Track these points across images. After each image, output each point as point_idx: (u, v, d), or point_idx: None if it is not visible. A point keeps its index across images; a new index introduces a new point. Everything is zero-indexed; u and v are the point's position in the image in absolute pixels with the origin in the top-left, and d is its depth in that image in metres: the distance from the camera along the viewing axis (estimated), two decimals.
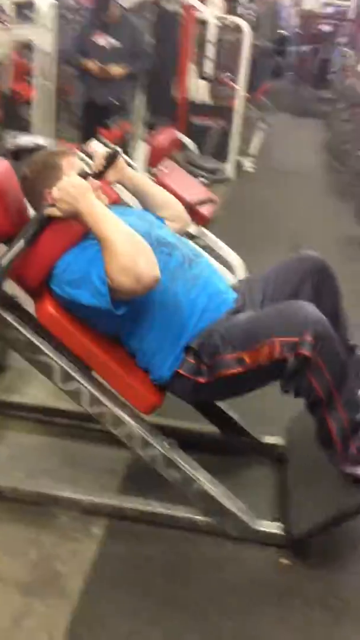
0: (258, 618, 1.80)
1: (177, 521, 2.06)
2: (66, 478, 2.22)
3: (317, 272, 2.11)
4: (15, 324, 1.97)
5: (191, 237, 3.74)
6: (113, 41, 5.17)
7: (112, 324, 1.96)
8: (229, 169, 7.60)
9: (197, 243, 3.81)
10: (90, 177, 1.96)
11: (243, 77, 7.43)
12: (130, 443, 2.02)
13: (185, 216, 2.33)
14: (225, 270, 3.65)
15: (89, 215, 1.83)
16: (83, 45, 5.26)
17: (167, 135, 3.75)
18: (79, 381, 1.98)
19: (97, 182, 2.03)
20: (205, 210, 3.58)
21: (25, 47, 8.00)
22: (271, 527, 2.05)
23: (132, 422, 2.01)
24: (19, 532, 1.99)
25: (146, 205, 2.25)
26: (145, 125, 6.19)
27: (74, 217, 1.86)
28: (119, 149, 2.15)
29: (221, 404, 2.46)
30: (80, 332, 1.99)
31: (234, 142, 7.61)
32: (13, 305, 2.11)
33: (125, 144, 4.90)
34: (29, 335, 1.98)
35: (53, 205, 1.85)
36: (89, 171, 1.99)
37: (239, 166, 7.94)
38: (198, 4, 6.47)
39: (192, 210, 3.56)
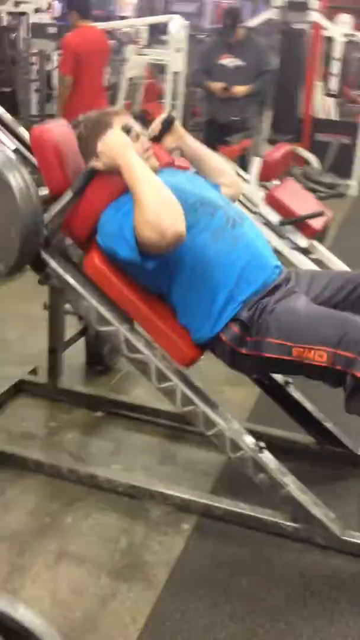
0: (339, 624, 1.80)
1: (264, 524, 2.09)
2: (161, 475, 2.32)
3: None
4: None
5: (304, 251, 3.77)
6: (237, 61, 5.31)
7: (150, 279, 2.04)
8: (353, 185, 7.51)
9: (309, 257, 3.84)
10: (143, 138, 2.11)
11: None
12: (220, 444, 2.08)
13: (238, 183, 2.44)
14: None
15: (125, 169, 1.95)
16: (209, 66, 5.44)
17: (280, 150, 3.81)
18: (173, 381, 2.07)
19: (148, 143, 2.14)
20: (315, 223, 3.58)
21: (157, 69, 8.36)
22: None
23: (223, 423, 2.07)
24: (113, 520, 2.11)
25: (202, 171, 2.34)
26: (269, 142, 6.27)
27: (115, 170, 1.97)
28: (173, 115, 2.26)
29: (318, 415, 2.47)
30: (123, 284, 2.08)
31: (358, 158, 7.51)
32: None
33: (244, 160, 5.00)
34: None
35: (98, 159, 1.99)
36: (136, 128, 2.11)
37: None
38: (325, 22, 6.50)
39: (302, 222, 3.60)
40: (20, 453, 2.34)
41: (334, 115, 8.36)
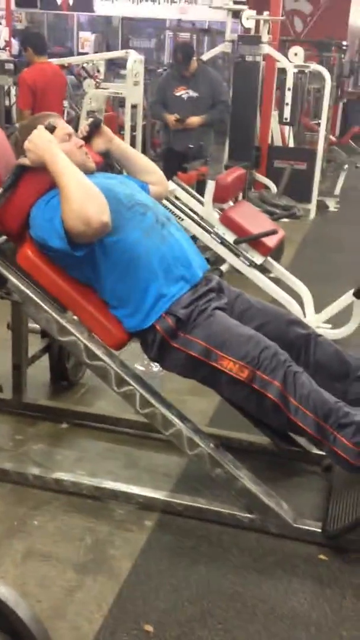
0: (291, 603, 1.91)
1: (222, 517, 2.21)
2: (125, 478, 2.43)
3: (303, 340, 2.31)
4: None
5: (261, 269, 3.94)
6: (191, 93, 5.54)
7: (80, 270, 2.19)
8: (311, 209, 7.77)
9: (266, 275, 4.01)
10: (75, 137, 2.29)
11: (325, 122, 7.63)
12: (178, 443, 2.20)
13: (165, 181, 2.62)
14: (292, 301, 3.81)
15: (51, 164, 2.13)
16: (165, 98, 5.66)
17: (233, 173, 4.00)
18: (132, 385, 2.20)
19: (80, 141, 2.32)
20: (269, 241, 3.76)
21: (116, 102, 8.58)
22: (312, 525, 2.16)
23: (180, 423, 2.20)
24: (78, 521, 2.21)
25: (130, 170, 2.53)
26: (226, 169, 6.49)
27: (42, 166, 2.14)
28: (101, 118, 2.44)
29: None
30: (55, 274, 2.23)
31: (316, 184, 7.78)
32: None
33: (201, 185, 5.20)
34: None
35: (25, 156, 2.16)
36: (67, 129, 2.28)
37: (321, 207, 8.08)
38: (277, 55, 6.78)
39: (257, 241, 3.77)
40: None
41: (291, 142, 8.67)
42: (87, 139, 2.43)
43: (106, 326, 2.25)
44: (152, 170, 2.56)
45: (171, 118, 5.51)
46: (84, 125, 2.46)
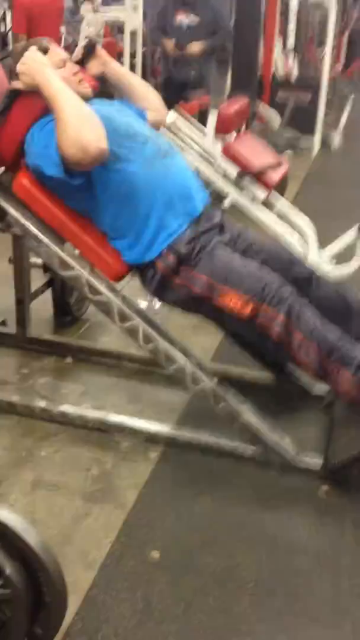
0: (292, 532, 1.98)
1: (226, 450, 2.25)
2: (130, 412, 2.46)
3: (304, 278, 2.26)
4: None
5: (264, 204, 3.89)
6: (193, 17, 5.34)
7: (78, 200, 2.15)
8: (315, 142, 7.61)
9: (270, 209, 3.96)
10: (70, 63, 2.20)
11: (329, 51, 7.40)
12: (182, 378, 2.23)
13: (163, 107, 2.53)
14: (296, 236, 3.77)
15: (45, 87, 2.03)
16: (164, 24, 5.47)
17: (236, 103, 3.90)
18: (134, 320, 2.20)
19: (75, 67, 2.24)
20: (273, 174, 3.70)
21: (115, 28, 8.30)
22: (313, 458, 2.21)
23: (183, 358, 2.22)
24: (84, 452, 2.26)
25: (127, 95, 2.43)
26: (227, 99, 6.34)
27: (35, 89, 2.06)
28: (96, 40, 2.35)
29: None
30: (53, 203, 2.19)
31: (320, 116, 7.60)
32: None
33: (204, 116, 5.08)
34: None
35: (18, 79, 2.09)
36: (61, 54, 2.19)
37: (325, 140, 7.92)
38: None
39: (259, 174, 3.71)
40: None
41: (295, 72, 8.43)
42: (82, 62, 2.33)
43: (104, 257, 2.22)
44: (150, 96, 2.46)
45: (170, 44, 5.33)
46: (79, 47, 2.35)
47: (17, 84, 2.12)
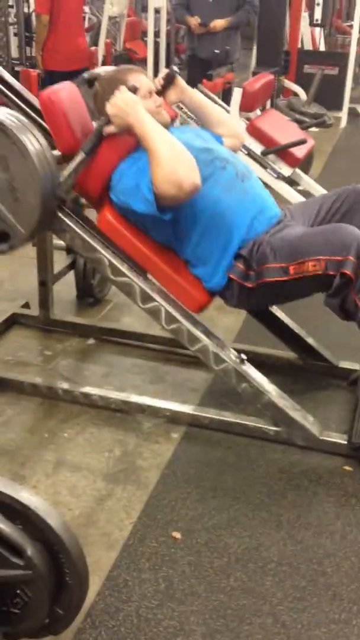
0: (316, 512, 1.96)
1: (248, 429, 2.24)
2: (152, 393, 2.46)
3: None
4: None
5: (289, 181, 3.83)
6: None
7: (165, 231, 2.15)
8: (342, 117, 7.48)
9: (294, 187, 3.91)
10: (154, 94, 2.19)
11: (357, 25, 7.25)
12: (204, 358, 2.21)
13: (240, 133, 2.53)
14: None
15: (138, 127, 2.03)
16: (187, 1, 5.38)
17: (261, 80, 3.83)
18: (157, 300, 2.19)
19: (160, 99, 2.22)
20: (298, 151, 3.64)
21: (139, 6, 8.20)
22: (337, 437, 2.18)
23: (205, 338, 2.19)
24: (107, 433, 2.26)
25: (204, 122, 2.43)
26: (253, 75, 6.24)
27: (127, 130, 2.06)
28: (176, 69, 2.32)
29: (301, 332, 2.60)
30: (137, 238, 2.20)
31: (347, 90, 7.47)
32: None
33: (228, 94, 5.01)
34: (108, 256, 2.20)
35: (109, 119, 2.07)
36: (148, 85, 2.18)
37: (353, 114, 7.78)
38: None
39: (283, 151, 3.66)
40: (17, 378, 2.47)
41: (322, 46, 8.27)
42: (162, 92, 2.31)
43: (186, 289, 2.22)
44: (226, 122, 2.45)
45: (193, 21, 5.24)
46: (159, 78, 2.32)
47: (111, 129, 2.10)
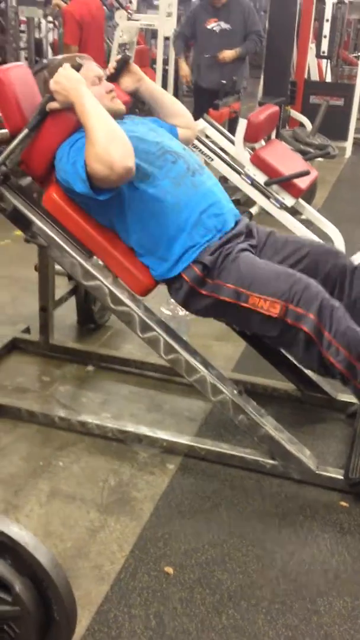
0: (310, 549, 1.93)
1: (244, 462, 2.22)
2: (149, 422, 2.45)
3: (339, 272, 2.23)
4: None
5: (292, 211, 3.85)
6: (223, 25, 5.32)
7: (106, 215, 2.16)
8: (347, 147, 7.53)
9: (297, 217, 3.93)
10: (105, 81, 2.21)
11: None
12: (202, 389, 2.20)
13: (194, 124, 2.55)
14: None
15: (78, 104, 2.04)
16: (193, 30, 5.45)
17: (266, 111, 3.87)
18: (156, 331, 2.19)
19: (110, 85, 2.23)
20: (301, 182, 3.66)
21: (149, 34, 8.32)
22: (334, 472, 2.16)
23: (204, 369, 2.19)
24: (102, 462, 2.24)
25: (160, 113, 2.44)
26: (259, 105, 6.30)
27: (70, 107, 2.07)
28: (130, 55, 2.34)
29: (299, 364, 2.59)
30: (82, 218, 2.20)
31: (353, 122, 7.53)
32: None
33: (233, 122, 5.05)
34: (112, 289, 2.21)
35: (52, 96, 2.09)
36: (97, 71, 2.20)
37: (358, 144, 7.83)
38: None
39: (288, 182, 3.68)
40: (14, 404, 2.46)
41: (328, 77, 8.36)
42: (115, 76, 2.33)
43: (132, 272, 2.22)
44: (181, 113, 2.47)
45: (185, 71, 5.37)
46: (112, 62, 2.37)
47: (54, 105, 2.13)
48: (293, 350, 2.12)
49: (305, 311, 1.99)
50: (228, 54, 5.27)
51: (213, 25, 5.34)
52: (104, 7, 8.08)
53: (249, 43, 5.38)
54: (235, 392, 2.20)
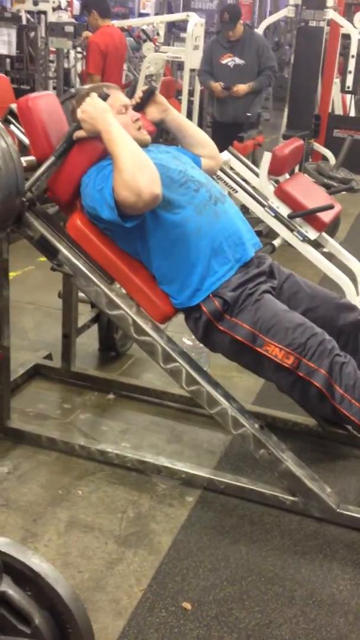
0: (330, 589, 1.90)
1: (264, 497, 2.20)
2: (169, 453, 2.44)
3: (352, 327, 2.28)
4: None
5: (315, 244, 3.86)
6: (237, 60, 5.40)
7: (131, 242, 2.18)
8: None
9: (319, 250, 3.93)
10: (131, 110, 2.25)
11: None
12: (223, 421, 2.19)
13: (218, 155, 2.59)
14: (344, 278, 3.72)
15: (105, 133, 2.08)
16: (211, 66, 5.53)
17: (291, 145, 3.89)
18: (178, 362, 2.19)
19: (136, 114, 2.27)
20: (325, 216, 3.67)
21: (175, 66, 8.43)
22: (355, 511, 2.13)
23: (225, 402, 2.18)
24: (121, 493, 2.23)
25: (184, 143, 2.47)
26: (283, 138, 6.34)
27: (97, 135, 2.11)
28: (156, 86, 2.39)
29: None
30: (103, 243, 2.23)
31: None
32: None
33: (257, 155, 5.10)
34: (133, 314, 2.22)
35: (79, 125, 2.13)
36: (124, 100, 2.24)
37: None
38: (342, 20, 6.54)
39: (312, 215, 3.68)
40: (35, 431, 2.46)
41: (352, 111, 8.41)
42: (141, 106, 2.38)
43: (152, 299, 2.24)
44: (206, 144, 2.51)
45: (217, 87, 5.38)
46: (138, 92, 2.41)
47: (80, 134, 2.17)
48: (305, 400, 2.16)
49: (317, 366, 2.03)
50: (242, 87, 5.34)
51: (227, 60, 5.41)
52: (132, 39, 8.27)
53: (263, 78, 5.45)
54: (256, 426, 2.19)
